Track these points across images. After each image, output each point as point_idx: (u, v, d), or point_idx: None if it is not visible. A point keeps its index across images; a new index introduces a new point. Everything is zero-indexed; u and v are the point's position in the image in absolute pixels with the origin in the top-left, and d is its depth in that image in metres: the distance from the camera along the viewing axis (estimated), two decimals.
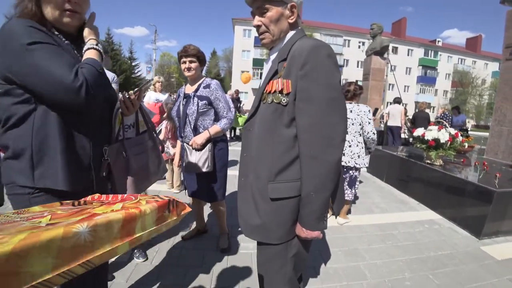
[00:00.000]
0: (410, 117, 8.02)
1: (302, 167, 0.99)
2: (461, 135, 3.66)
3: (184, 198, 2.18)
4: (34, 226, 0.33)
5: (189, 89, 2.16)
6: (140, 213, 0.39)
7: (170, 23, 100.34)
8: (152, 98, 4.29)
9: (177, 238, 2.45)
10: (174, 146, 3.50)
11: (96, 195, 0.76)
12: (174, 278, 1.93)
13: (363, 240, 2.68)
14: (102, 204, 0.53)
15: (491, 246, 2.66)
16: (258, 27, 1.06)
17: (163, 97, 4.32)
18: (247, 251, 2.31)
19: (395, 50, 34.38)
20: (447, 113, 7.70)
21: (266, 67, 1.15)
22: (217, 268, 2.07)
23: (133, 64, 36.91)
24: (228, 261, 2.16)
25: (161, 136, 3.50)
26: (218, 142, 2.17)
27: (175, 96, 5.30)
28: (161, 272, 1.98)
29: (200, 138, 2.00)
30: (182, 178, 3.93)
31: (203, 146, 2.01)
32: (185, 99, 2.12)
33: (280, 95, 0.99)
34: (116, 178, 1.09)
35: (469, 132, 7.47)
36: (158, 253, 2.21)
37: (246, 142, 1.14)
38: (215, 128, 2.06)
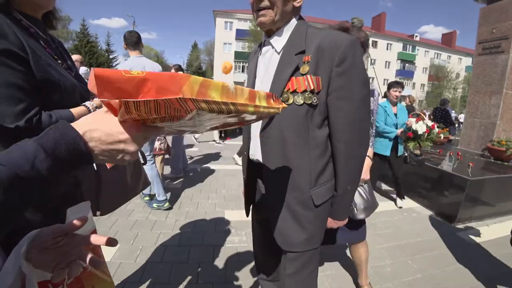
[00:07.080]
0: None
1: (338, 165, 0.97)
2: (438, 127, 3.81)
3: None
4: None
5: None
6: (257, 92, 0.57)
7: (150, 14, 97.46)
8: None
9: (161, 236, 2.41)
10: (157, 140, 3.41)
11: None
12: (159, 275, 1.90)
13: None
14: None
15: (465, 231, 2.81)
16: (260, 0, 0.89)
17: None
18: (232, 244, 2.32)
19: (375, 44, 35.12)
20: (442, 108, 6.59)
21: (271, 58, 1.00)
22: (203, 263, 2.06)
23: (110, 57, 35.39)
24: (214, 256, 2.15)
25: None
26: None
27: None
28: (146, 270, 1.94)
29: None
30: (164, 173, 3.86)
31: None
32: None
33: (311, 94, 0.90)
34: (84, 194, 0.94)
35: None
36: (143, 251, 2.16)
37: (266, 152, 1.00)
38: None
